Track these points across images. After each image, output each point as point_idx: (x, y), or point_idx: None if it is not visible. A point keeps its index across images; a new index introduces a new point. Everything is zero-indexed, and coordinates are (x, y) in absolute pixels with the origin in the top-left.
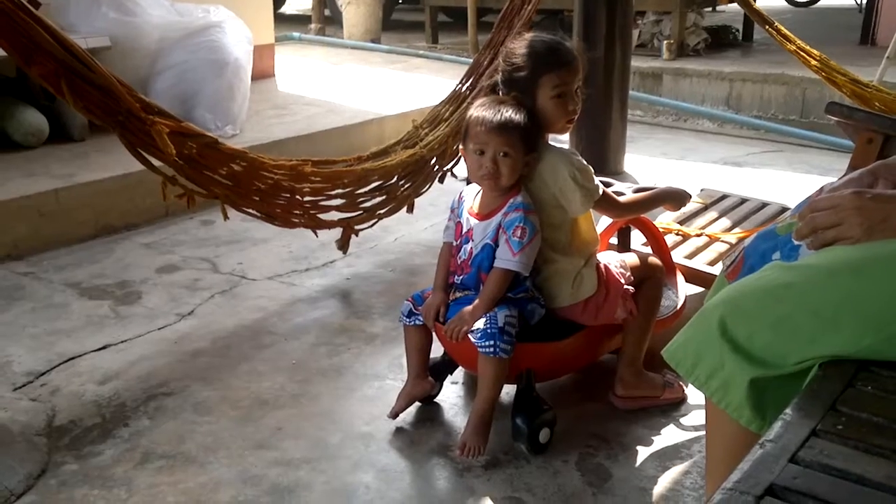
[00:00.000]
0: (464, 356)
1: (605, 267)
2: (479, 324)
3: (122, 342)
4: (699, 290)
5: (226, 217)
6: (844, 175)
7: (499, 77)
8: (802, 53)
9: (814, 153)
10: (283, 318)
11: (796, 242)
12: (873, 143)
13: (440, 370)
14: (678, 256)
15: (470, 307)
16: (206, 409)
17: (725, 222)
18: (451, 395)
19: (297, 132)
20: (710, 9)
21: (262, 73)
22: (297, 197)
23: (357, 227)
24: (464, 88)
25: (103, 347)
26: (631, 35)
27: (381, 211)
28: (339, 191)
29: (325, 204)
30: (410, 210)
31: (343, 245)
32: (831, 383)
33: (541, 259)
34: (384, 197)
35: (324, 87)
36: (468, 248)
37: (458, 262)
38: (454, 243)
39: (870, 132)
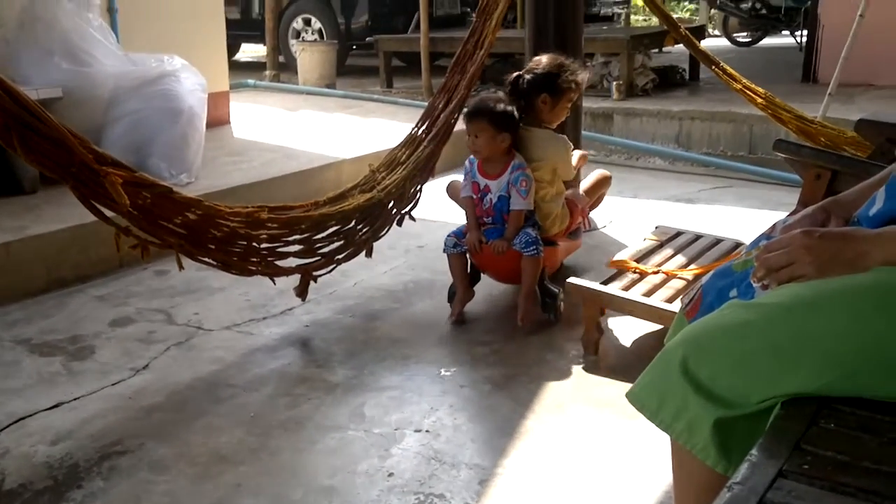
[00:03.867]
0: (501, 268)
1: (572, 203)
2: (520, 241)
3: (74, 399)
4: (658, 327)
5: (181, 267)
6: (795, 211)
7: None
8: (748, 92)
9: (763, 188)
10: (240, 369)
11: (754, 284)
12: (821, 179)
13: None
14: (635, 294)
15: (505, 236)
16: (162, 468)
17: (681, 259)
18: (413, 444)
19: (252, 178)
20: (656, 50)
21: (218, 121)
22: (254, 244)
23: (315, 273)
24: (419, 132)
25: (55, 406)
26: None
27: (340, 256)
28: (297, 237)
29: (283, 250)
30: (369, 254)
31: (301, 292)
32: (794, 422)
33: (538, 207)
34: (342, 242)
35: (279, 133)
36: (489, 199)
37: (484, 208)
38: (473, 196)
39: (817, 168)
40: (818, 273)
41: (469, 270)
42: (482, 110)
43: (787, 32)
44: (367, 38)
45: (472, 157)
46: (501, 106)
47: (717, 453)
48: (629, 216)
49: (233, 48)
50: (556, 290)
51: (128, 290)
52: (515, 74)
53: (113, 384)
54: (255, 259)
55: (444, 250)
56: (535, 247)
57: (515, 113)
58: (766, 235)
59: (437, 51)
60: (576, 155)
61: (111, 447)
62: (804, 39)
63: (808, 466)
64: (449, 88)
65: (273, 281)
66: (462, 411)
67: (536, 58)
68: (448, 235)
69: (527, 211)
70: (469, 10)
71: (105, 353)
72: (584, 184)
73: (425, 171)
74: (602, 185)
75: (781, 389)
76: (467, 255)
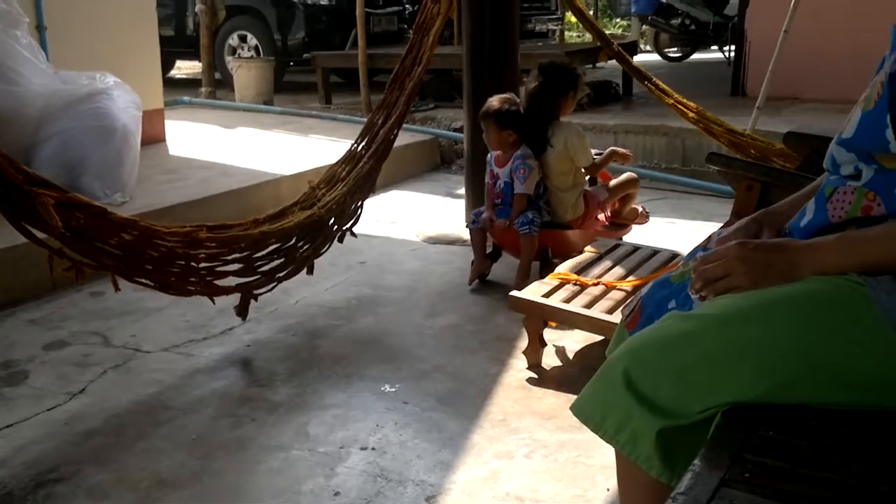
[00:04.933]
0: (507, 242)
1: (590, 195)
2: (518, 221)
3: (7, 427)
4: (600, 338)
5: (117, 288)
6: (729, 222)
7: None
8: (680, 106)
9: (697, 199)
10: (180, 391)
11: (692, 296)
12: (753, 190)
13: (492, 256)
14: (576, 306)
15: (509, 216)
16: (101, 494)
17: (620, 270)
18: (359, 461)
19: (189, 197)
20: (590, 66)
21: (152, 139)
22: (193, 264)
23: (256, 292)
24: (359, 148)
25: None
26: (518, 93)
27: (281, 274)
28: (236, 255)
29: (222, 269)
30: (310, 271)
31: (242, 311)
32: (735, 431)
33: (553, 193)
34: (283, 259)
35: (216, 151)
36: (500, 185)
37: (496, 192)
38: (489, 182)
39: (749, 180)
40: (753, 284)
41: (492, 249)
42: (488, 111)
43: (715, 48)
44: (305, 55)
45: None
46: (506, 106)
47: (661, 464)
48: None
49: (167, 65)
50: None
51: (62, 312)
52: (536, 83)
53: (48, 409)
54: (193, 279)
55: (467, 226)
56: (528, 227)
57: (519, 111)
58: (703, 247)
59: (375, 67)
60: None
61: (47, 474)
62: (732, 54)
63: (749, 475)
64: (388, 104)
65: (213, 301)
66: (407, 427)
67: (544, 62)
68: (470, 215)
69: (532, 196)
70: (406, 26)
71: (39, 378)
72: (611, 183)
73: (365, 187)
74: (628, 185)
75: (721, 399)
76: (486, 232)
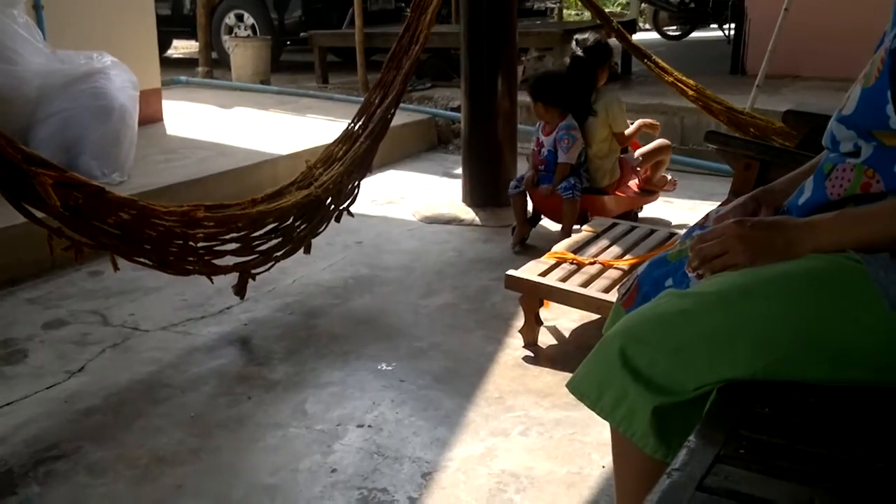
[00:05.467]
0: (548, 207)
1: (625, 161)
2: (561, 187)
3: (7, 405)
4: (596, 317)
5: (116, 268)
6: (727, 201)
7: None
8: (679, 84)
9: (695, 178)
10: (178, 369)
11: (689, 274)
12: (751, 169)
13: (532, 221)
14: (572, 284)
15: (553, 182)
16: (100, 471)
17: (617, 249)
18: (356, 439)
19: (187, 177)
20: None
21: (150, 118)
22: (191, 243)
23: (254, 271)
24: (356, 127)
25: None
26: (516, 71)
27: (278, 253)
28: (234, 235)
29: (220, 249)
30: (308, 251)
31: (240, 290)
32: (730, 408)
33: (591, 160)
34: (280, 239)
35: (214, 131)
36: (544, 152)
37: (539, 158)
38: (535, 149)
39: (747, 158)
40: (751, 261)
41: (532, 215)
42: (532, 88)
43: (715, 26)
44: (301, 34)
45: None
46: (549, 82)
47: (657, 440)
48: None
49: (164, 44)
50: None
51: (61, 291)
52: (575, 56)
53: (47, 388)
54: (191, 258)
55: (508, 192)
56: (571, 191)
57: (564, 85)
58: (700, 225)
59: (372, 46)
60: (636, 124)
61: (47, 452)
62: (732, 33)
63: (744, 451)
64: (385, 84)
65: (211, 280)
66: (403, 405)
67: (581, 37)
68: (512, 181)
69: (574, 164)
70: (403, 5)
71: (38, 357)
72: (643, 150)
73: (362, 166)
74: (661, 152)
75: (717, 376)
76: (527, 197)
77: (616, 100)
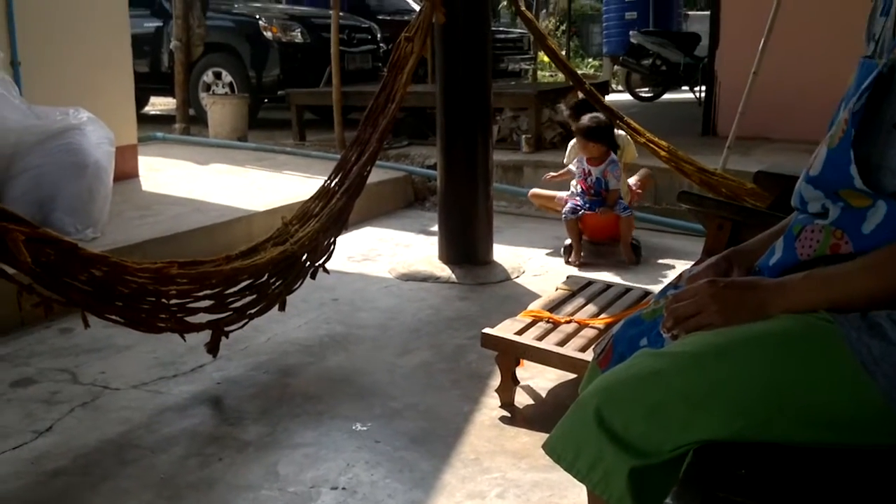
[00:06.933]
0: (600, 227)
1: (630, 186)
2: (619, 207)
3: None
4: (573, 376)
5: (86, 325)
6: (700, 261)
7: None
8: (652, 145)
9: (669, 237)
10: (149, 429)
11: (664, 334)
12: (724, 229)
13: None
14: (549, 343)
15: (607, 205)
16: None
17: (592, 308)
18: (330, 501)
19: (161, 233)
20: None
21: (125, 174)
22: (163, 300)
23: (227, 329)
24: (332, 184)
25: None
26: (491, 131)
27: (252, 310)
28: (208, 292)
29: (193, 306)
30: (282, 308)
31: (212, 348)
32: (707, 469)
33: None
34: (255, 296)
35: (189, 187)
36: (591, 181)
37: (587, 185)
38: (580, 177)
39: (720, 218)
40: (724, 321)
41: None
42: (588, 130)
43: (686, 88)
44: (279, 92)
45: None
46: (593, 122)
47: (634, 503)
48: (542, 267)
49: (142, 101)
50: (638, 241)
51: (30, 349)
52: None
53: (14, 448)
54: (164, 315)
55: (564, 218)
56: (629, 211)
57: (603, 127)
58: (674, 285)
59: (349, 104)
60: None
61: None
62: (703, 95)
63: None
64: (361, 142)
65: (183, 337)
66: (378, 467)
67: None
68: (566, 207)
69: (617, 190)
70: (380, 65)
71: (5, 416)
72: (633, 179)
73: (338, 223)
74: (650, 178)
75: (693, 437)
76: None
77: (628, 139)
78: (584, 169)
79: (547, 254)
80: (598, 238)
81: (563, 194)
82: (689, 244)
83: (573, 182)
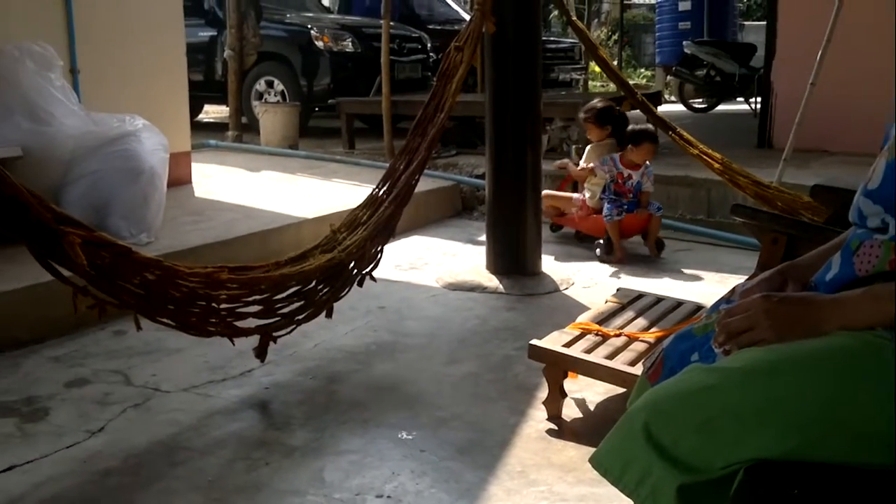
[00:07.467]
0: (634, 225)
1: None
2: (652, 207)
3: (27, 463)
4: (621, 390)
5: (139, 327)
6: (754, 275)
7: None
8: (705, 157)
9: (722, 251)
10: (198, 432)
11: (715, 349)
12: (779, 243)
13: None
14: (597, 356)
15: (642, 206)
16: None
17: (643, 322)
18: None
19: (213, 238)
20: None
21: (179, 181)
22: (214, 305)
23: (275, 334)
24: (381, 192)
25: (7, 469)
26: (541, 140)
27: (300, 316)
28: (257, 297)
29: (242, 311)
30: (330, 315)
31: (261, 353)
32: (758, 488)
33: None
34: (303, 302)
35: (241, 193)
36: (630, 184)
37: (625, 188)
38: (617, 181)
39: (775, 232)
40: (777, 337)
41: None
42: (645, 134)
43: (741, 99)
44: (330, 101)
45: (611, 155)
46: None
47: None
48: (591, 278)
49: (196, 109)
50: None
51: (84, 350)
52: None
53: (67, 447)
54: (214, 320)
55: (608, 220)
56: (659, 210)
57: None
58: (726, 299)
59: (398, 113)
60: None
61: None
62: (758, 106)
63: None
64: (410, 150)
65: (232, 342)
66: (424, 476)
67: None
68: (606, 211)
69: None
70: (430, 74)
71: (60, 415)
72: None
73: (386, 231)
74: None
75: (744, 455)
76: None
77: (592, 146)
78: (621, 173)
79: (595, 264)
80: (626, 235)
81: (578, 196)
82: (743, 258)
83: (590, 185)
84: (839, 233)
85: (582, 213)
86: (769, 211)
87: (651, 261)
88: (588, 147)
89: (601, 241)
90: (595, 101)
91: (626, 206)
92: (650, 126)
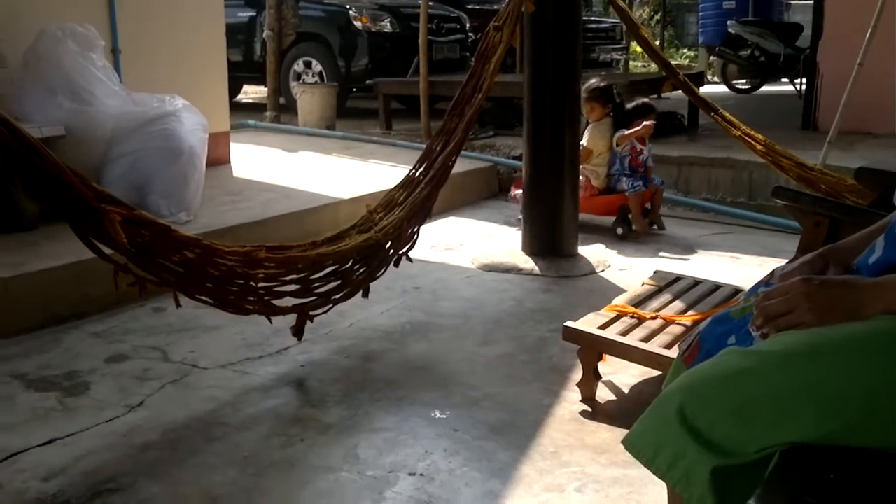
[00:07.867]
0: (646, 197)
1: None
2: (655, 180)
3: (68, 436)
4: (656, 373)
5: (178, 305)
6: (794, 258)
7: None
8: (747, 138)
9: (763, 234)
10: (235, 408)
11: (753, 333)
12: (821, 226)
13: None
14: (633, 339)
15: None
16: None
17: (680, 305)
18: (407, 487)
19: (251, 218)
20: (655, 96)
21: (218, 160)
22: (251, 283)
23: (312, 313)
24: (417, 173)
25: (49, 442)
26: (579, 121)
27: (336, 296)
28: (294, 276)
29: (280, 290)
30: (366, 295)
31: (297, 331)
32: (793, 472)
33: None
34: (339, 282)
35: (279, 173)
36: (643, 157)
37: (640, 162)
38: (632, 155)
39: (817, 215)
40: (817, 321)
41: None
42: (649, 109)
43: (786, 80)
44: (367, 81)
45: (622, 131)
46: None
47: (715, 502)
48: (628, 261)
49: (235, 89)
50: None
51: (124, 326)
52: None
53: (107, 421)
54: (251, 298)
55: (629, 193)
56: (664, 183)
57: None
58: (765, 282)
59: (435, 94)
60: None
61: (103, 484)
62: (803, 87)
63: None
64: (447, 131)
65: (269, 320)
66: (457, 455)
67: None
68: (630, 186)
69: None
70: (468, 54)
71: (100, 390)
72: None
73: (422, 212)
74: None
75: (780, 438)
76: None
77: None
78: (635, 147)
79: (632, 247)
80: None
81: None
82: (784, 241)
83: (592, 164)
84: (883, 216)
85: (585, 195)
86: (812, 193)
87: (689, 243)
88: (590, 126)
89: (616, 220)
90: (593, 80)
91: (642, 181)
92: (646, 99)
